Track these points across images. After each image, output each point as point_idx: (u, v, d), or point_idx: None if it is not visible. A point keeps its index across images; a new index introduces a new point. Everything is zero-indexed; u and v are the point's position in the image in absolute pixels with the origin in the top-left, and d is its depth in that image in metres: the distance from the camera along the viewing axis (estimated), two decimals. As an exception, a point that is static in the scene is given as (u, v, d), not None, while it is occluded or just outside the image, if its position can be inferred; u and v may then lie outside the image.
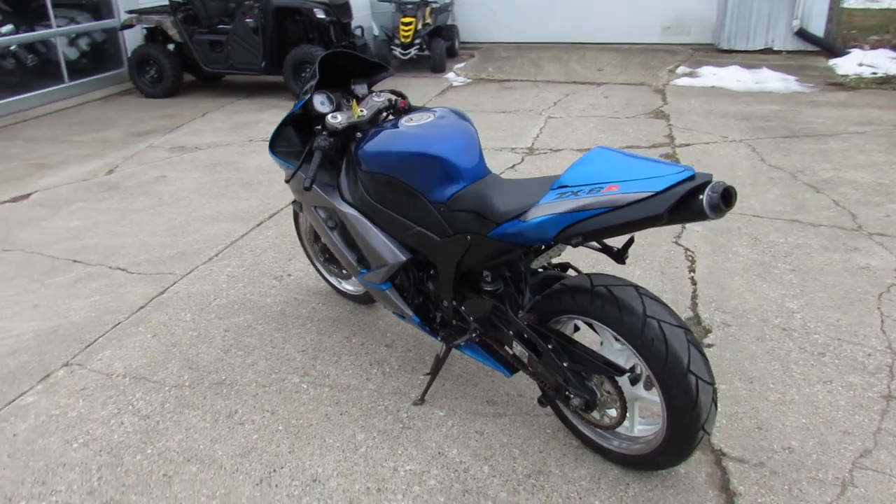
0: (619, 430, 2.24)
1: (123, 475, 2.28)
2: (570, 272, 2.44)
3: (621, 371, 2.03)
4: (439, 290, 2.45)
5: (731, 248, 3.79)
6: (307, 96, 2.64)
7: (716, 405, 1.98)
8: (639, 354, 1.96)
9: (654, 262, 3.65)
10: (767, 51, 9.30)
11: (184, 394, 2.70)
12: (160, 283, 3.58)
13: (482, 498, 2.16)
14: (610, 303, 2.00)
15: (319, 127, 2.59)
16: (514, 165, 5.29)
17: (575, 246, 1.91)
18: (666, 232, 4.01)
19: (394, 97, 2.79)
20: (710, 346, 2.91)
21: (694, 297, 3.30)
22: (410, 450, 2.37)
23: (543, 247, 2.25)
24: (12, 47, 8.06)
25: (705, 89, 7.72)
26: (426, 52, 9.21)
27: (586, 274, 2.16)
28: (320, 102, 2.74)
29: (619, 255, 2.31)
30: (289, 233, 4.12)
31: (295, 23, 7.80)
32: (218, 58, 7.91)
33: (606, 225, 1.80)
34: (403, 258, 2.47)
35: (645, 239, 3.93)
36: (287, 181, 2.72)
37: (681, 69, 8.68)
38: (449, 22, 10.29)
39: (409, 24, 9.01)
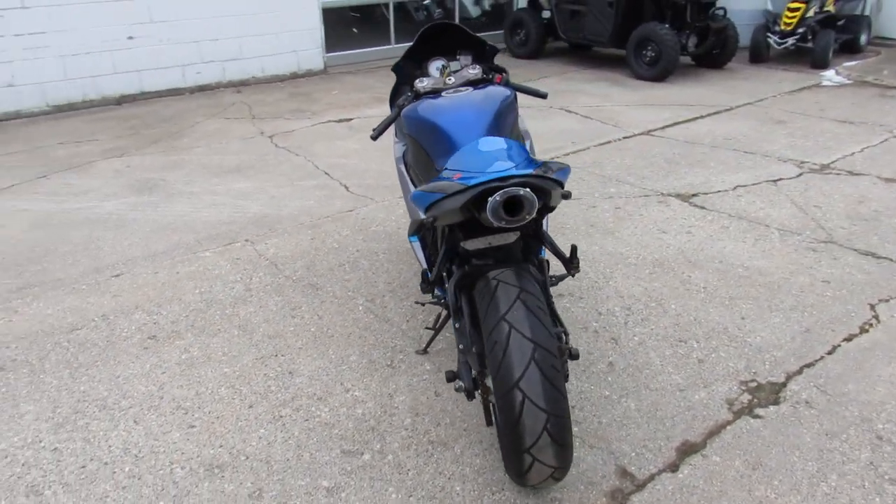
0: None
1: (198, 320, 3.07)
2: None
3: (483, 367, 1.98)
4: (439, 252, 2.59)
5: (940, 333, 2.87)
6: (399, 60, 2.94)
7: (551, 436, 1.81)
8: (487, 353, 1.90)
9: (817, 314, 3.00)
10: None
11: (285, 284, 3.37)
12: (356, 203, 4.31)
13: (378, 439, 2.34)
14: (487, 295, 1.95)
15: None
16: (776, 180, 4.60)
17: (429, 225, 1.92)
18: (891, 287, 3.20)
19: (492, 72, 2.89)
20: (757, 416, 2.41)
21: (809, 365, 2.68)
22: (373, 383, 2.63)
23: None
24: (425, 1, 9.69)
25: None
26: (809, 44, 8.09)
27: (511, 269, 2.09)
28: (435, 68, 3.01)
29: (568, 264, 2.18)
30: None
31: (651, -1, 7.68)
32: (574, 27, 8.27)
33: (439, 211, 1.80)
34: (423, 216, 2.66)
35: (849, 287, 3.21)
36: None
37: None
38: (860, 11, 8.75)
39: (797, 10, 7.99)
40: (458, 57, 2.96)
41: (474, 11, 10.04)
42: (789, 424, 2.37)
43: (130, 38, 6.79)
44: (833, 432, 2.33)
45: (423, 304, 2.63)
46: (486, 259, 2.24)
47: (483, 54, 2.97)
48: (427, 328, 2.86)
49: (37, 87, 6.43)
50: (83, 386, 2.63)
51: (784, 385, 2.57)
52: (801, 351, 2.78)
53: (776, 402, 2.48)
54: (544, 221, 2.93)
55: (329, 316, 3.08)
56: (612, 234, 3.83)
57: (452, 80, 2.82)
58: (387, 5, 8.99)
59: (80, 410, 2.49)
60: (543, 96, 2.90)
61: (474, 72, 2.85)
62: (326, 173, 4.85)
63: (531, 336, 1.83)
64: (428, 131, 2.45)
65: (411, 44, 2.94)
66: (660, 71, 7.42)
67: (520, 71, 8.24)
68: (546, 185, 1.72)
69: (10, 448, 2.32)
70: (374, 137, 2.81)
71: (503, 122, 2.48)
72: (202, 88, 7.37)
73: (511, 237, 2.21)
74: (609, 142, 5.50)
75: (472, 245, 2.21)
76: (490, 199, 1.59)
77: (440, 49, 3.00)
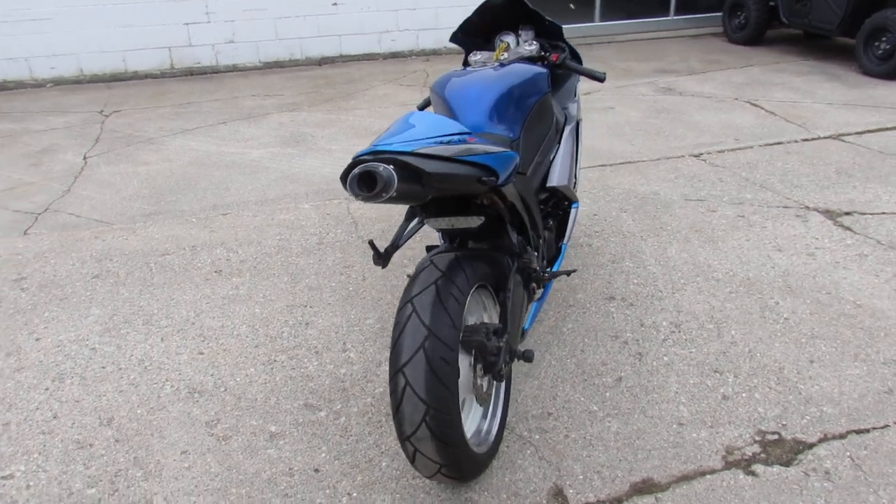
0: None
1: (262, 262, 3.33)
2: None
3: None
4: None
5: None
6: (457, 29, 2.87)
7: (430, 429, 1.72)
8: (396, 332, 1.85)
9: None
10: None
11: (354, 242, 3.51)
12: (465, 177, 4.31)
13: (342, 401, 2.39)
14: (414, 277, 1.89)
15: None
16: (972, 208, 3.72)
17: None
18: None
19: (551, 49, 2.72)
20: (751, 473, 2.04)
21: (861, 431, 2.19)
22: (371, 349, 2.67)
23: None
24: (646, -21, 9.15)
25: None
26: None
27: (454, 252, 2.00)
28: (497, 42, 2.90)
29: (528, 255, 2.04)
30: (605, 179, 4.18)
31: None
32: (800, 11, 7.28)
33: None
34: None
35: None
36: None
37: None
38: None
39: None
40: (519, 32, 2.83)
41: (698, -9, 9.26)
42: (784, 492, 1.97)
43: (335, 4, 7.36)
44: (838, 513, 1.90)
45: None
46: (477, 243, 2.17)
47: (545, 30, 2.80)
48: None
49: (252, 45, 7.27)
50: (143, 302, 3.01)
51: (810, 447, 2.14)
52: (862, 413, 2.27)
53: (786, 464, 2.07)
54: (572, 215, 2.74)
55: (373, 279, 3.17)
56: (712, 244, 3.40)
57: (506, 55, 2.72)
58: (597, -19, 8.67)
59: (129, 321, 2.87)
60: (601, 79, 2.67)
61: (530, 48, 2.72)
62: (456, 145, 4.89)
63: (428, 323, 1.74)
64: (440, 106, 2.40)
65: (469, 16, 2.85)
66: (894, 67, 6.28)
67: (725, 57, 7.49)
68: (423, 164, 1.61)
69: (65, 340, 2.75)
70: (420, 108, 2.81)
71: (515, 101, 2.33)
72: (394, 55, 7.78)
73: (474, 221, 2.10)
74: (780, 143, 4.82)
75: (434, 224, 2.15)
76: (351, 172, 1.54)
77: (508, 23, 2.88)
